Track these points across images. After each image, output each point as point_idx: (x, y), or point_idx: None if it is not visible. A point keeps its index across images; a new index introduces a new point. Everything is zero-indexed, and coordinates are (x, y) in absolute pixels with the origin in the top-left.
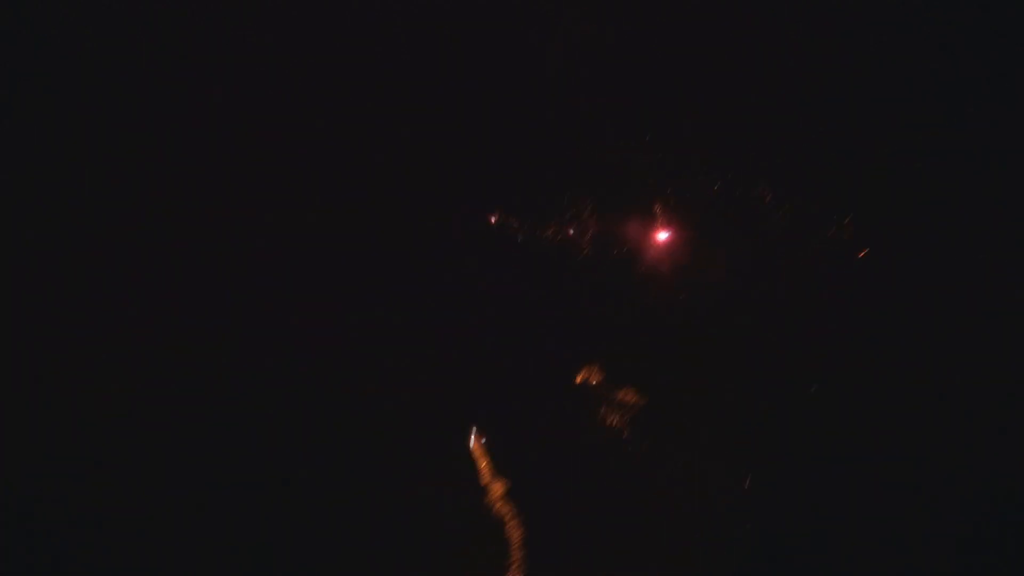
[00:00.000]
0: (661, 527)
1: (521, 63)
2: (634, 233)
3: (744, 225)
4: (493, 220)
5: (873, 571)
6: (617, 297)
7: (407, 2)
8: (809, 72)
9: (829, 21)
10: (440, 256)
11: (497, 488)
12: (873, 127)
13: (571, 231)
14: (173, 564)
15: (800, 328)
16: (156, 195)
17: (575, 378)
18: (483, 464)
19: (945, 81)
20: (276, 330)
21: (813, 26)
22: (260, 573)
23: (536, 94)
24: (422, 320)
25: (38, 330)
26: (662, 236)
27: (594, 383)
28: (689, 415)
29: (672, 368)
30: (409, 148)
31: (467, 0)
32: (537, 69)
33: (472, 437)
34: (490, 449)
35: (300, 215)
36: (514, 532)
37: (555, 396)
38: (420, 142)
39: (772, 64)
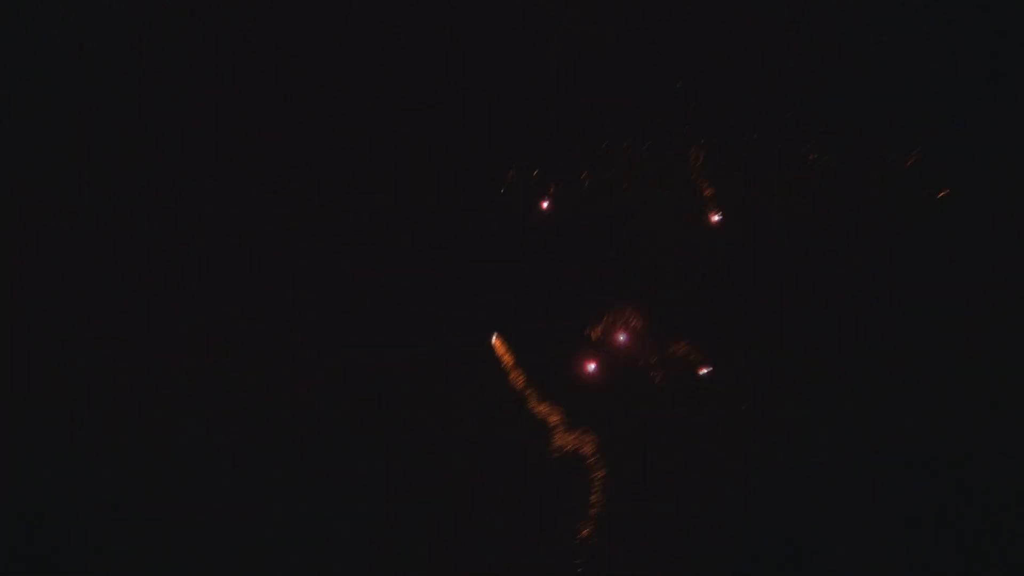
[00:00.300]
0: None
1: (521, 63)
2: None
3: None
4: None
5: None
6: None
7: (407, 2)
8: (808, 74)
9: (829, 20)
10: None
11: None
12: (873, 127)
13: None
14: (175, 564)
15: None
16: (156, 195)
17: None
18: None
19: (945, 81)
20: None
21: (813, 25)
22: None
23: (536, 94)
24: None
25: (38, 330)
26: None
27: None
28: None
29: (700, 321)
30: (409, 148)
31: (467, 0)
32: (537, 69)
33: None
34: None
35: (300, 212)
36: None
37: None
38: (420, 142)
39: (772, 65)
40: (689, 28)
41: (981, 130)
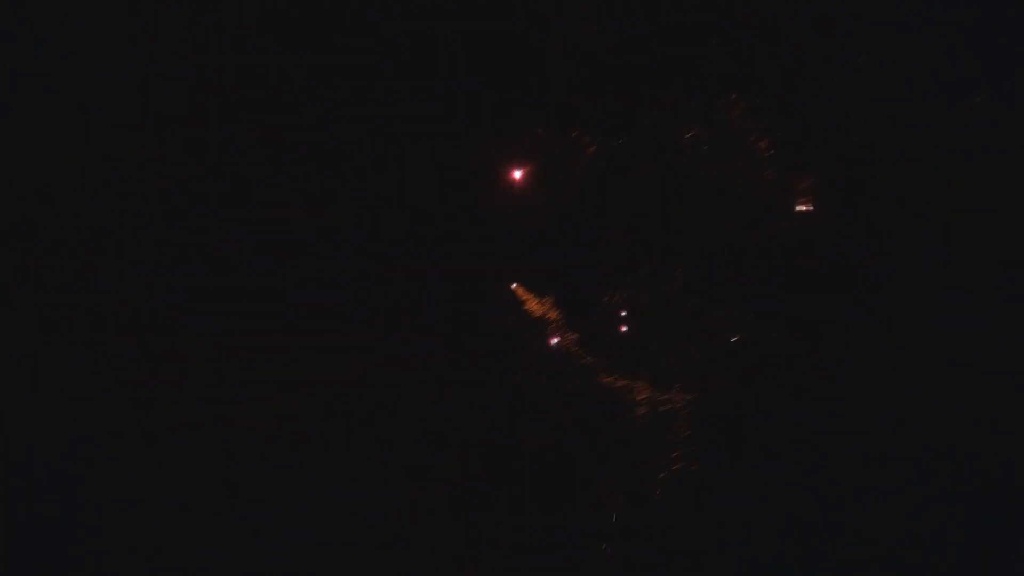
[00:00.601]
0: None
1: (521, 63)
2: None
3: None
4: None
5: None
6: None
7: (407, 2)
8: (809, 73)
9: (830, 21)
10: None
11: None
12: (871, 128)
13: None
14: (174, 565)
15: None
16: (156, 195)
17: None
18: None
19: (945, 81)
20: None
21: (814, 27)
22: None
23: (536, 94)
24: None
25: (38, 331)
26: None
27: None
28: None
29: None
30: (409, 149)
31: (467, 0)
32: (537, 69)
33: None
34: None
35: (300, 214)
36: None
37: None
38: (420, 143)
39: (773, 65)
40: (690, 28)
41: (981, 130)
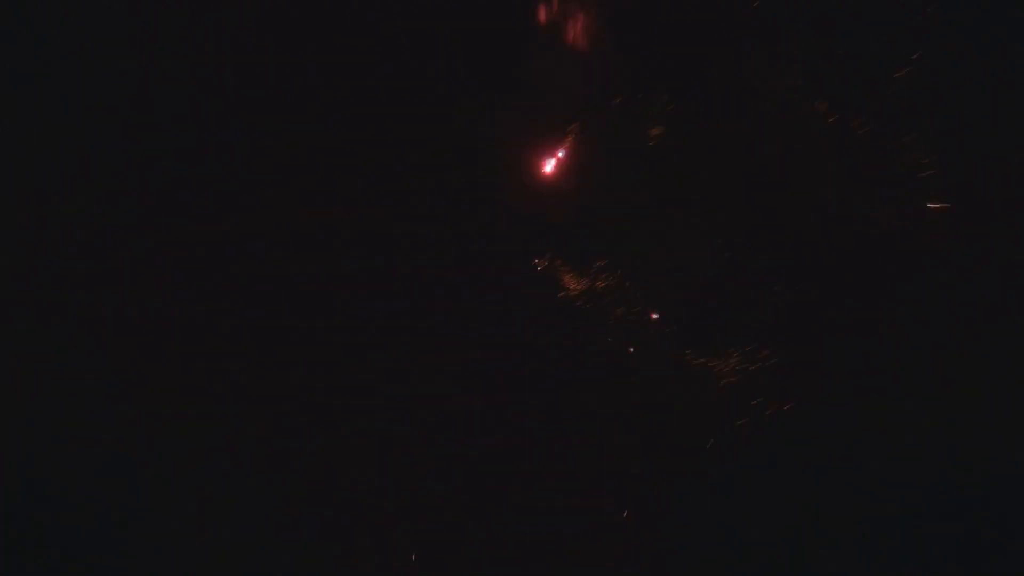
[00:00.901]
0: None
1: (521, 63)
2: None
3: None
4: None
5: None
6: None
7: (407, 2)
8: (806, 75)
9: (833, 21)
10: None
11: None
12: (871, 127)
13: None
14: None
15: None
16: (156, 196)
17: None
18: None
19: (945, 81)
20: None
21: (815, 27)
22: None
23: (536, 95)
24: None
25: (37, 331)
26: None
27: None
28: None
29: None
30: (409, 149)
31: (467, 0)
32: (537, 69)
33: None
34: None
35: (302, 214)
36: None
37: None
38: (420, 143)
39: (775, 65)
40: (689, 29)
41: (981, 130)
